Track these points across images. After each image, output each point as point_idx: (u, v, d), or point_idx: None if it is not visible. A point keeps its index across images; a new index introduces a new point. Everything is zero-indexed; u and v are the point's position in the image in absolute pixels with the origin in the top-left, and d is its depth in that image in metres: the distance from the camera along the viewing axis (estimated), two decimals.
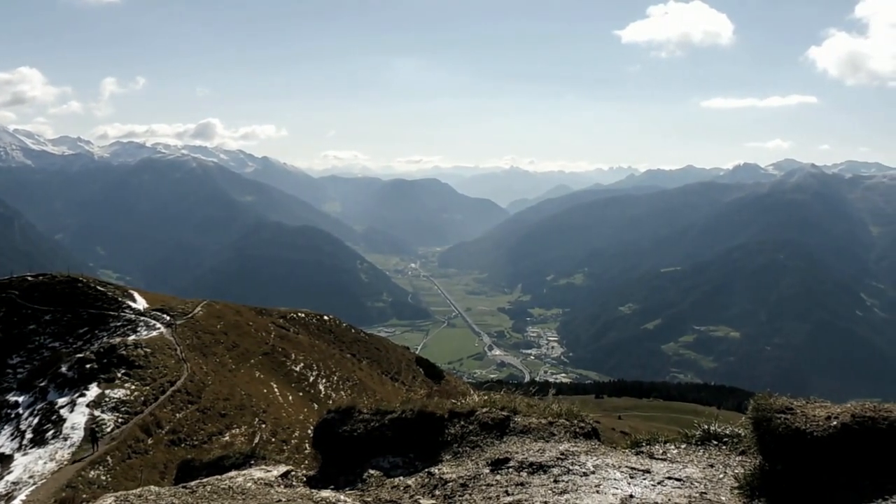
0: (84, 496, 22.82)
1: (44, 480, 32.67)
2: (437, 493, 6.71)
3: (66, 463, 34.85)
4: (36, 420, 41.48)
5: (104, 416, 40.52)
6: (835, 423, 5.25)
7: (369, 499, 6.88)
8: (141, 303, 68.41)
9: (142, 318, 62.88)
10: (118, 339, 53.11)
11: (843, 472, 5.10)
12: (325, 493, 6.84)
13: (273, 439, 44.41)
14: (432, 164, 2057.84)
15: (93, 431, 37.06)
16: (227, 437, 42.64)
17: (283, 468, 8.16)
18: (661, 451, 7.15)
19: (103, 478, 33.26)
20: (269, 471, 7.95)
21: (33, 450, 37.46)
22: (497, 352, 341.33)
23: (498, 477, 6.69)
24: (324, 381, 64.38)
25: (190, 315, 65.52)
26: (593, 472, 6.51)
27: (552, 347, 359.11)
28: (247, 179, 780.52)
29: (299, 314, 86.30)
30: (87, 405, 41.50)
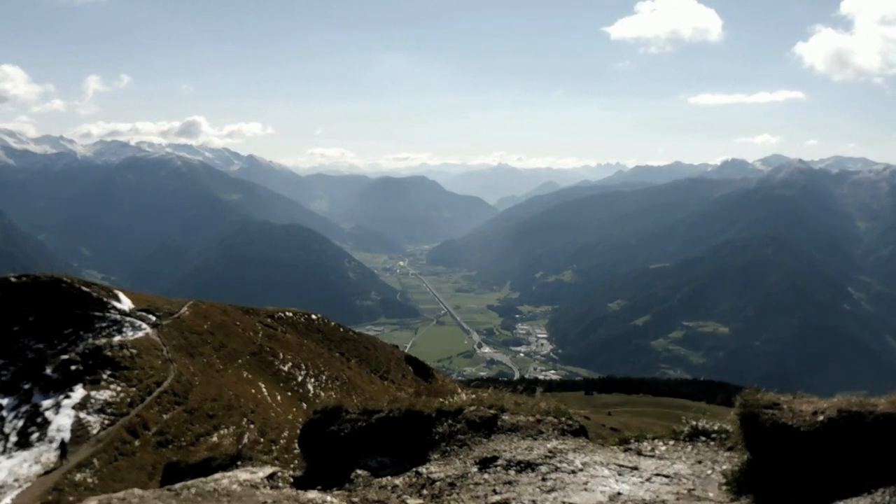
0: (71, 499, 22.65)
1: (29, 484, 32.41)
2: (424, 492, 6.67)
3: (51, 466, 34.57)
4: (20, 423, 41.10)
5: (90, 417, 40.20)
6: (821, 417, 5.25)
7: (356, 499, 6.83)
8: (126, 303, 67.79)
9: (127, 318, 62.31)
10: (103, 340, 52.68)
11: (829, 467, 5.09)
12: (312, 494, 6.77)
13: (262, 440, 44.21)
14: (420, 162, 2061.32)
15: (62, 442, 36.68)
16: (215, 438, 42.40)
17: (268, 469, 8.08)
18: (649, 448, 7.14)
19: (90, 480, 33.00)
20: (254, 472, 7.86)
21: (18, 453, 37.11)
22: (486, 349, 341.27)
23: (486, 475, 6.66)
24: (312, 380, 64.17)
25: (176, 315, 65.06)
26: (581, 470, 6.50)
27: (541, 344, 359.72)
28: (232, 178, 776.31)
29: (287, 313, 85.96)
30: (73, 407, 41.16)
